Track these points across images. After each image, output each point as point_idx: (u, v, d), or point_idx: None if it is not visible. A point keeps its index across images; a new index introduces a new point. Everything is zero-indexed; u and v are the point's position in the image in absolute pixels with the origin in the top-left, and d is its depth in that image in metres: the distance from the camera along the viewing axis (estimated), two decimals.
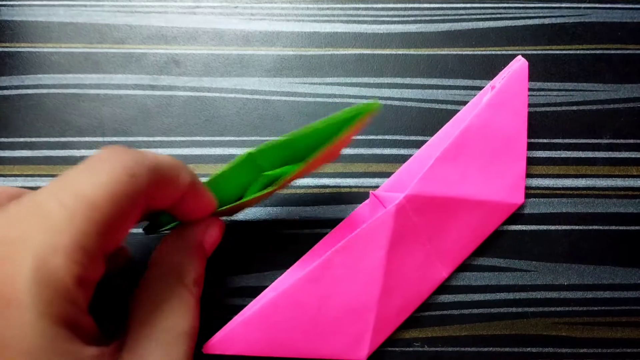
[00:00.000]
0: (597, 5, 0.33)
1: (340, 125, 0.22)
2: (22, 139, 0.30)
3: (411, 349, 0.28)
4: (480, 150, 0.29)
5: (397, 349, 0.28)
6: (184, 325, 0.20)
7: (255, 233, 0.29)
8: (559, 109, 0.31)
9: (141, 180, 0.18)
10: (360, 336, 0.27)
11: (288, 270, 0.28)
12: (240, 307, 0.27)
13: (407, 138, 0.31)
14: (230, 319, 0.26)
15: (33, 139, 0.30)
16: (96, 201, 0.17)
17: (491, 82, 0.31)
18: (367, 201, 0.29)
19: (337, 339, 0.27)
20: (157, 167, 0.19)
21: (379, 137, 0.31)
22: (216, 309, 0.28)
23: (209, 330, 0.26)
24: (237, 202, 0.24)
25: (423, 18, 0.33)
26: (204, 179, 0.23)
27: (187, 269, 0.22)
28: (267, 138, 0.31)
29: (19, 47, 0.31)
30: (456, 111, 0.31)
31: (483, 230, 0.29)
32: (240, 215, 0.29)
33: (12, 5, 0.32)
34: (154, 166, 0.19)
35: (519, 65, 0.30)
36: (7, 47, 0.31)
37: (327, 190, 0.30)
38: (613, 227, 0.30)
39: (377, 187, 0.30)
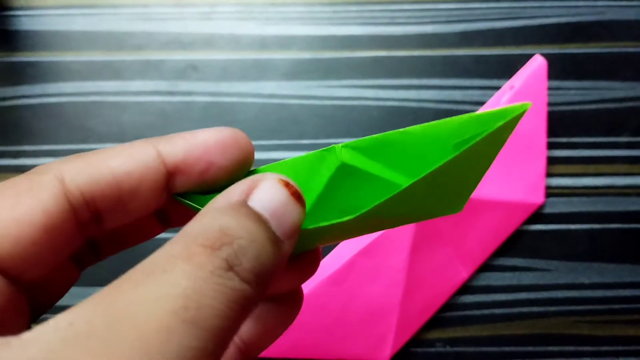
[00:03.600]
0: (614, 3, 0.33)
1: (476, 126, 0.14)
2: (44, 147, 0.31)
3: (433, 349, 0.28)
4: (500, 151, 0.29)
5: (419, 349, 0.28)
6: None
7: None
8: (577, 107, 0.31)
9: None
10: (383, 337, 0.27)
11: None
12: None
13: None
14: None
15: (55, 147, 0.31)
16: None
17: (509, 82, 0.31)
18: None
19: (360, 340, 0.27)
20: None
21: None
22: None
23: None
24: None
25: (439, 19, 0.33)
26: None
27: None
28: (286, 142, 0.31)
29: (39, 56, 0.32)
30: (474, 111, 0.31)
31: (504, 230, 0.29)
32: None
33: (32, 15, 0.32)
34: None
35: (537, 64, 0.30)
36: (28, 56, 0.32)
37: None
38: (633, 225, 0.30)
39: None
